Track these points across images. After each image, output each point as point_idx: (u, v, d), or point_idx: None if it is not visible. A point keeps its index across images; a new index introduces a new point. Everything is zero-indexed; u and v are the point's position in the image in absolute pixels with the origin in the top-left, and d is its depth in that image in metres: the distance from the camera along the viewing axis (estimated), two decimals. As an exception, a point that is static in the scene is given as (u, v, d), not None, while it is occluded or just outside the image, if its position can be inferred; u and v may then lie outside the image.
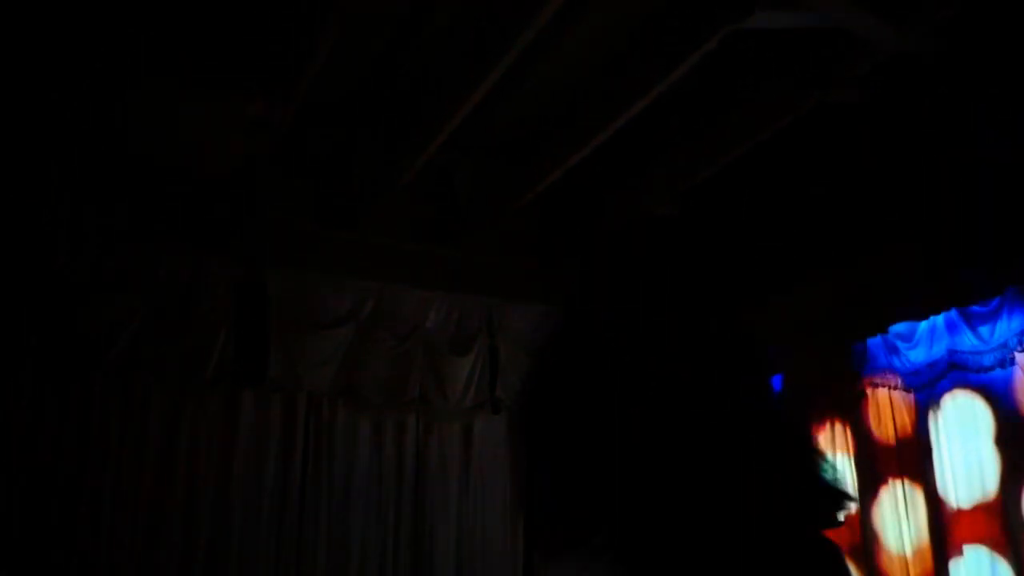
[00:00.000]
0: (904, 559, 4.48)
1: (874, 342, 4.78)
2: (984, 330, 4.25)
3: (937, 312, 4.48)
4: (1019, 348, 4.09)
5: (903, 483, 4.60)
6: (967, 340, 4.33)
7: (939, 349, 4.49)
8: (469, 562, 5.23)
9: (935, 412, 4.43)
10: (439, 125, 4.78)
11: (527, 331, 5.69)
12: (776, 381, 5.15)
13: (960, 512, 4.26)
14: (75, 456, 4.49)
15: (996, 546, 4.09)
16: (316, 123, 5.22)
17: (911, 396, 4.61)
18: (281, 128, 4.85)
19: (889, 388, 4.70)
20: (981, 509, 4.18)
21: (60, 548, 4.38)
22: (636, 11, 4.23)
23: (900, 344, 4.63)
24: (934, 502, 4.40)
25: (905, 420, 4.62)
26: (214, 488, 4.76)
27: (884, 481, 4.67)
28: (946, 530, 4.32)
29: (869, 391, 4.76)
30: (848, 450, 4.87)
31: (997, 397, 4.15)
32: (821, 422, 4.98)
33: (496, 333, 5.62)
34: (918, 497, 4.51)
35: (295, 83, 4.50)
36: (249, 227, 5.21)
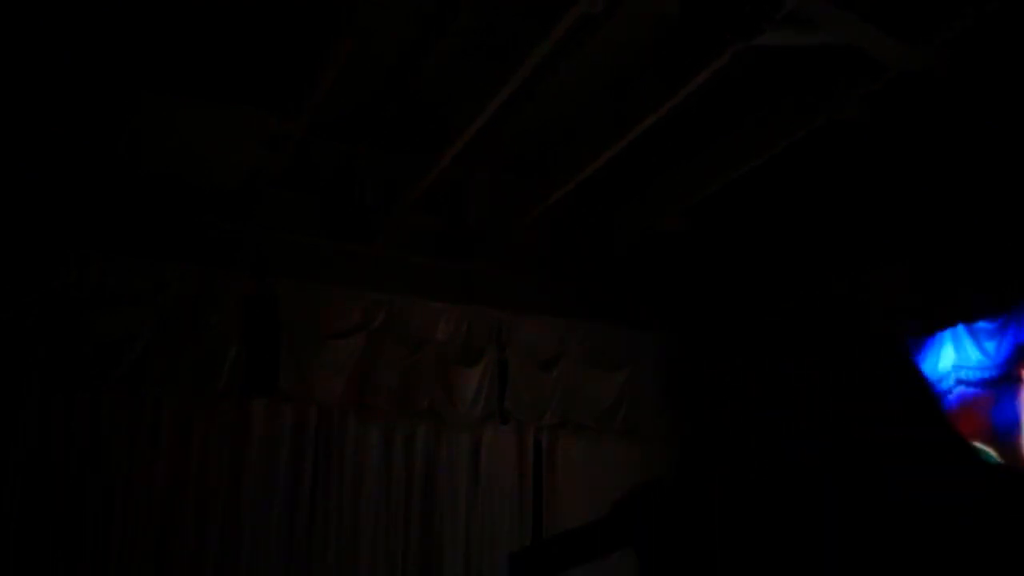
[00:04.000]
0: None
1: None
2: (990, 345, 4.29)
3: (943, 327, 4.53)
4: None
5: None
6: (972, 355, 4.38)
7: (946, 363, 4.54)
8: (478, 565, 5.26)
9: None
10: (451, 139, 4.83)
11: (536, 343, 5.73)
12: None
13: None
14: (85, 468, 4.52)
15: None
16: (328, 136, 5.28)
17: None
18: (293, 141, 4.91)
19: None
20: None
21: (70, 560, 4.40)
22: (647, 28, 4.28)
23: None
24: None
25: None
26: (224, 498, 4.79)
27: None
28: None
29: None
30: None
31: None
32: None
33: (505, 345, 5.64)
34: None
35: (308, 97, 4.55)
36: (259, 240, 5.25)
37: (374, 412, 5.26)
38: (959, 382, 4.41)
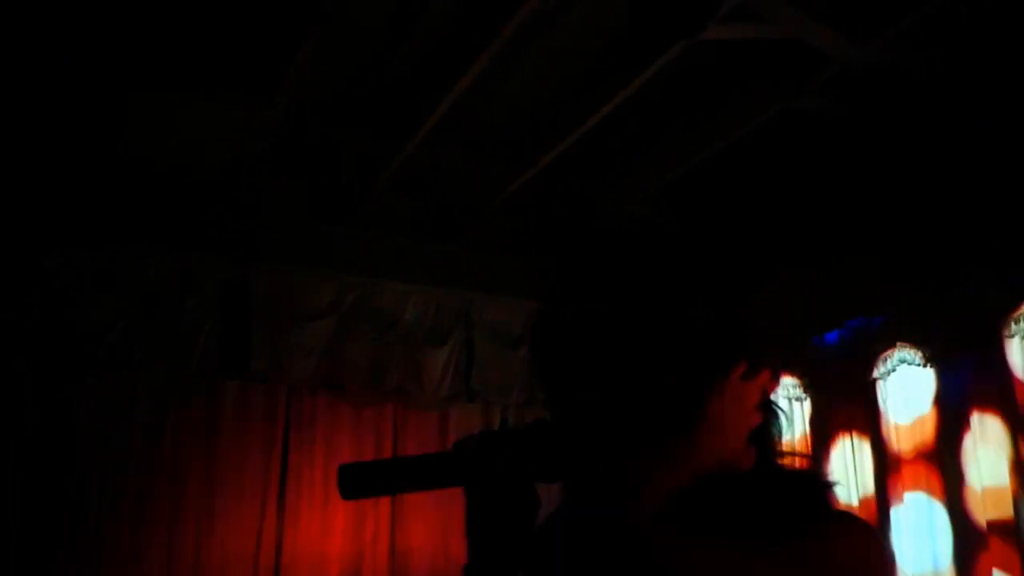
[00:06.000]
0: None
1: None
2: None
3: (884, 313, 4.71)
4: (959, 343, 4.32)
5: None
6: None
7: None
8: (444, 541, 5.40)
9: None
10: (420, 123, 4.95)
11: (503, 323, 5.88)
12: None
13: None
14: (63, 448, 4.66)
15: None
16: (305, 122, 5.39)
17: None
18: (268, 129, 5.03)
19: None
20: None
21: (48, 537, 4.54)
22: (606, 21, 4.40)
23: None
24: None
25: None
26: (198, 474, 4.94)
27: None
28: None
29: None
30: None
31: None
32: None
33: (473, 325, 5.80)
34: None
35: (280, 86, 4.68)
36: (236, 224, 5.39)
37: (344, 391, 5.41)
38: (902, 361, 4.61)
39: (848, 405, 4.88)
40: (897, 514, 4.57)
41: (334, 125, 5.46)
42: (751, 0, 3.86)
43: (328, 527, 5.19)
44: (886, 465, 4.65)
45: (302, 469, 5.21)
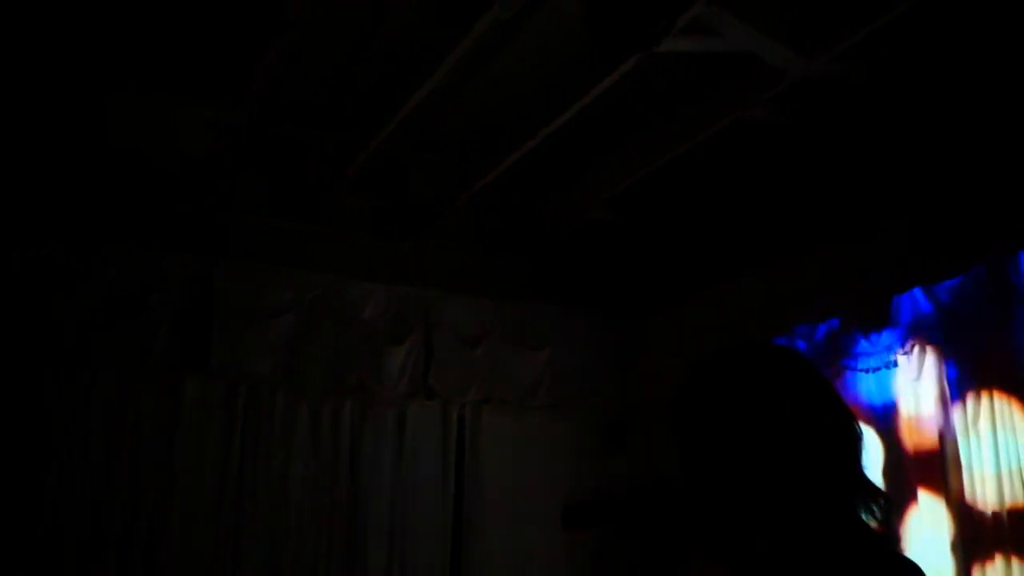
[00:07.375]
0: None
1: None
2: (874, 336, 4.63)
3: (833, 317, 4.85)
4: (901, 351, 4.48)
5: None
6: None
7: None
8: (401, 537, 5.50)
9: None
10: (383, 124, 5.03)
11: (462, 323, 5.98)
12: None
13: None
14: (20, 443, 4.69)
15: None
16: (268, 122, 5.45)
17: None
18: (232, 128, 5.09)
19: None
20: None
21: (4, 530, 4.57)
22: (566, 28, 4.50)
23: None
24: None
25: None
26: (156, 471, 4.98)
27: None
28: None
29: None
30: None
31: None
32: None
33: (432, 324, 5.88)
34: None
35: (246, 87, 4.74)
36: (199, 222, 5.43)
37: (303, 388, 5.48)
38: (843, 367, 4.75)
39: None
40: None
41: (298, 125, 5.53)
42: (705, 15, 3.98)
43: (285, 525, 5.25)
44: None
45: (258, 466, 5.26)
